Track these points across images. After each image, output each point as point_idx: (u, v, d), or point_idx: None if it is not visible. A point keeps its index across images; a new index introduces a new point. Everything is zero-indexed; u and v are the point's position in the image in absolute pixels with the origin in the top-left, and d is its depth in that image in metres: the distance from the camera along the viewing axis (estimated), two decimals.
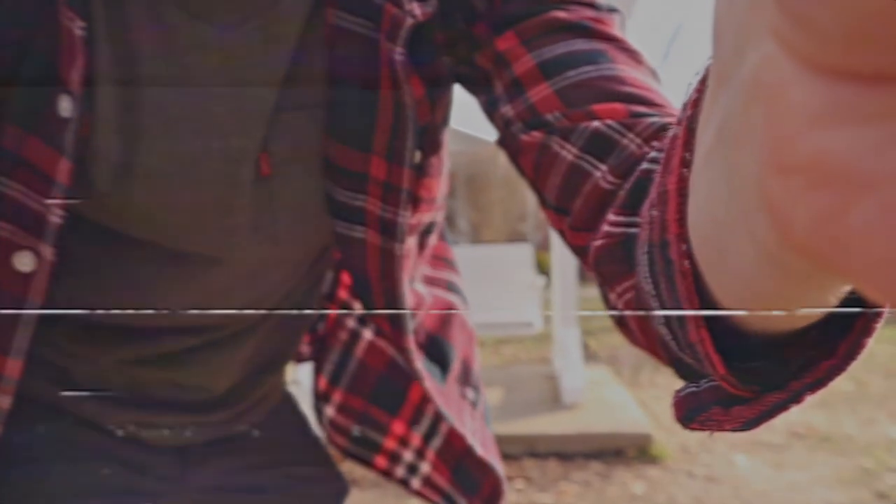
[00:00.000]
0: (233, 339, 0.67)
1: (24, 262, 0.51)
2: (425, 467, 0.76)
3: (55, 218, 0.51)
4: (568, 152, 0.48)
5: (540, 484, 3.09)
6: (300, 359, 0.81)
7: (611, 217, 0.42)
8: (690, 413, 0.32)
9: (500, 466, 0.75)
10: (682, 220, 0.26)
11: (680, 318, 0.29)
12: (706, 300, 0.27)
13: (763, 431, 3.62)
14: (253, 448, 0.74)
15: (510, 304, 4.78)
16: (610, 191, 0.45)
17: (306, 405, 0.82)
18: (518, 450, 3.40)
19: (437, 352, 0.72)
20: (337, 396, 0.77)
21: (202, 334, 0.65)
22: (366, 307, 0.63)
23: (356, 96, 0.55)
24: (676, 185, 0.27)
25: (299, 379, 3.09)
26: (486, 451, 0.74)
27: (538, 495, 2.97)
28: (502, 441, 3.57)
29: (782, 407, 0.28)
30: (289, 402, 0.80)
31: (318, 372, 0.78)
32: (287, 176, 0.56)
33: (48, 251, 0.52)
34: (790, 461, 3.29)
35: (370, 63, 0.54)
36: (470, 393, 0.75)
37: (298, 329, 0.75)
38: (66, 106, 0.49)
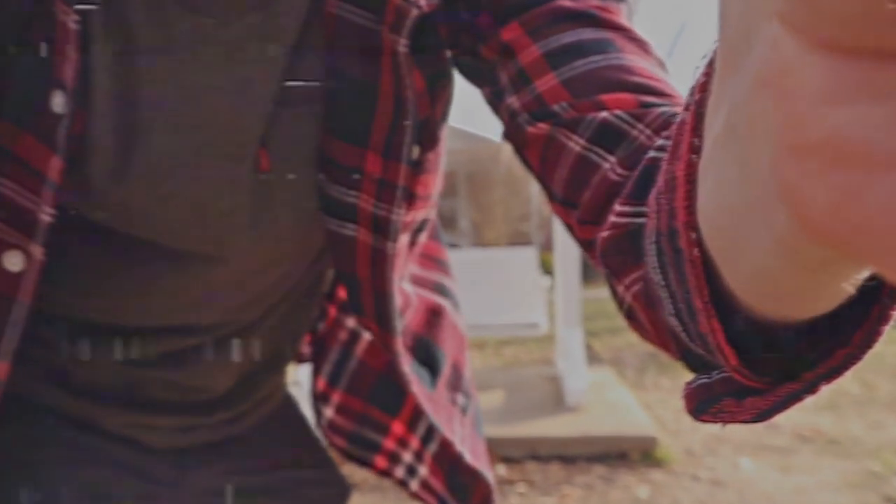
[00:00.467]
0: (229, 339, 0.66)
1: (13, 261, 0.51)
2: (423, 470, 0.75)
3: (46, 216, 0.50)
4: (575, 144, 0.47)
5: (542, 487, 3.07)
6: (301, 359, 0.80)
7: (617, 207, 0.41)
8: (702, 405, 0.32)
9: (490, 475, 0.74)
10: (690, 207, 0.26)
11: (691, 308, 0.28)
12: (717, 289, 0.27)
13: (769, 434, 3.60)
14: (252, 451, 0.73)
15: (516, 305, 4.79)
16: (619, 183, 0.44)
17: (306, 407, 0.81)
18: (520, 452, 3.39)
19: (425, 355, 0.71)
20: (336, 397, 0.76)
21: (201, 334, 0.64)
22: (353, 307, 0.62)
23: (355, 89, 0.54)
24: (685, 171, 0.26)
25: (300, 380, 3.07)
26: (477, 459, 0.73)
27: (540, 499, 2.95)
28: (504, 444, 3.55)
29: (796, 397, 0.28)
30: (289, 404, 0.79)
31: (316, 373, 0.77)
32: (286, 172, 0.56)
33: (38, 251, 0.51)
34: (796, 464, 3.27)
35: (371, 55, 0.53)
36: (460, 399, 0.74)
37: (299, 328, 0.74)
38: (59, 102, 0.48)
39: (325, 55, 0.54)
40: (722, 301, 0.27)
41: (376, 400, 0.75)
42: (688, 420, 3.70)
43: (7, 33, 0.47)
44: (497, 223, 13.78)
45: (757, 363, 0.28)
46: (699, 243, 0.26)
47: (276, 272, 0.63)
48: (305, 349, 0.79)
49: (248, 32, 0.52)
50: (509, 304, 4.74)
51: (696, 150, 0.25)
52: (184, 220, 0.56)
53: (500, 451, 3.32)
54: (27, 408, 0.63)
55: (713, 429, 3.59)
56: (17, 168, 0.49)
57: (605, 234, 0.42)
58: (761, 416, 0.29)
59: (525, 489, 3.05)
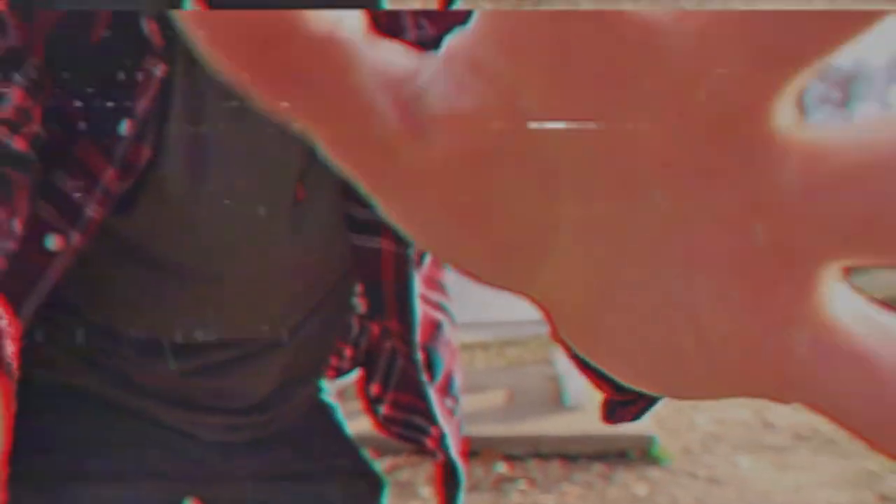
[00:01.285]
0: (265, 351, 0.77)
1: (52, 242, 0.61)
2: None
3: (91, 212, 0.61)
4: None
5: (543, 485, 3.11)
6: (340, 373, 0.90)
7: None
8: (607, 412, 0.48)
9: (463, 473, 0.83)
10: None
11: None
12: None
13: (766, 433, 3.63)
14: (294, 444, 0.83)
15: (523, 305, 4.82)
16: None
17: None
18: (521, 451, 3.42)
19: (426, 360, 0.80)
20: (389, 396, 0.87)
21: (238, 347, 0.76)
22: (375, 311, 0.74)
23: None
24: None
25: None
26: (459, 455, 0.82)
27: (541, 496, 2.99)
28: (506, 442, 3.55)
29: (649, 408, 0.45)
30: (324, 408, 0.89)
31: (368, 380, 0.88)
32: (316, 199, 0.68)
33: (77, 237, 0.61)
34: (794, 463, 3.30)
35: None
36: (449, 402, 0.83)
37: (330, 344, 0.85)
38: (126, 127, 0.60)
39: None
40: None
41: (422, 395, 0.83)
42: (686, 419, 3.73)
43: (105, 71, 0.60)
44: None
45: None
46: None
47: (303, 288, 0.74)
48: (346, 364, 0.89)
49: None
50: (519, 303, 4.78)
51: None
52: (230, 246, 0.68)
53: (502, 448, 3.35)
54: (94, 402, 0.75)
55: (710, 427, 3.62)
56: (80, 170, 0.61)
57: None
58: (635, 417, 0.46)
59: (526, 486, 3.09)
